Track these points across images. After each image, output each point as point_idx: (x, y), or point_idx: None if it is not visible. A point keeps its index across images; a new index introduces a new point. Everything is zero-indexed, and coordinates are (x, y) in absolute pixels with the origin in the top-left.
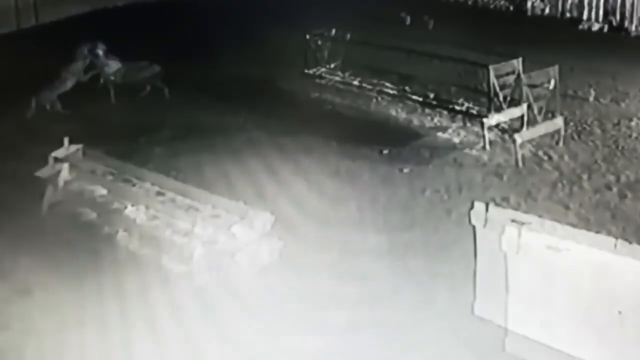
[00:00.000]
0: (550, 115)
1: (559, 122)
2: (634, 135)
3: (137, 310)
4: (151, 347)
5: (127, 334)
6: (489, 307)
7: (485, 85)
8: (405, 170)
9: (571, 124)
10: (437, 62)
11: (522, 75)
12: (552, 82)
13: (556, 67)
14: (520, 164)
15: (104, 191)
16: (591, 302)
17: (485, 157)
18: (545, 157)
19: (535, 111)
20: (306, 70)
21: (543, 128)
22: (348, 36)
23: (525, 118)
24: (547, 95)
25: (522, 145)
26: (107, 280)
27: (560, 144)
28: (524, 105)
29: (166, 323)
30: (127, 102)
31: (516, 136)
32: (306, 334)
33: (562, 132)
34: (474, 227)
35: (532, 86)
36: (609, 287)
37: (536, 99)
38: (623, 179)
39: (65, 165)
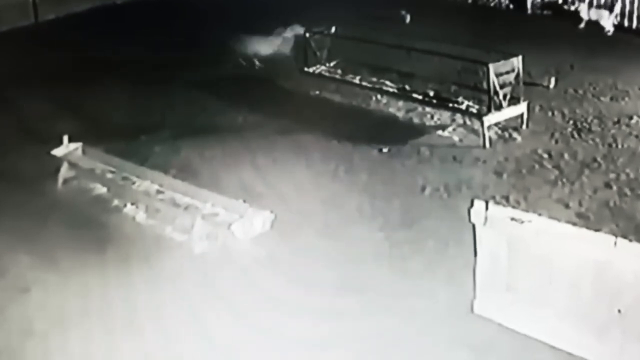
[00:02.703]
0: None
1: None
2: (634, 133)
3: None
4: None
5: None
6: (489, 305)
7: (485, 83)
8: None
9: (571, 122)
10: (437, 60)
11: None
12: (552, 80)
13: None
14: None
15: (103, 189)
16: (591, 301)
17: (484, 156)
18: (545, 155)
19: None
20: (306, 69)
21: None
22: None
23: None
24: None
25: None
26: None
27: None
28: (524, 104)
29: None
30: (127, 101)
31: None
32: (304, 334)
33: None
34: (473, 226)
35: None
36: (608, 286)
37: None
38: (623, 177)
39: (65, 163)
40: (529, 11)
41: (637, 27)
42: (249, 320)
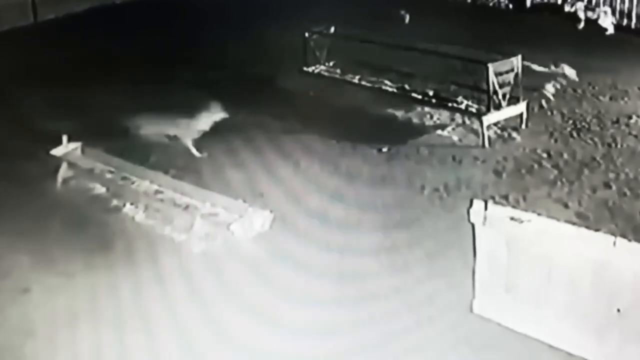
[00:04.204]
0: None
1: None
2: (633, 133)
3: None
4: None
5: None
6: (488, 305)
7: (484, 83)
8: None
9: (570, 121)
10: (436, 60)
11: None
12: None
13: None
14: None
15: (102, 189)
16: (590, 301)
17: (484, 155)
18: (545, 155)
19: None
20: (305, 68)
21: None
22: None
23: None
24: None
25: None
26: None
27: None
28: (524, 103)
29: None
30: (127, 101)
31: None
32: (305, 334)
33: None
34: (473, 225)
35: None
36: (608, 286)
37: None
38: (622, 176)
39: (64, 163)
40: (528, 10)
41: (636, 26)
42: (246, 321)
